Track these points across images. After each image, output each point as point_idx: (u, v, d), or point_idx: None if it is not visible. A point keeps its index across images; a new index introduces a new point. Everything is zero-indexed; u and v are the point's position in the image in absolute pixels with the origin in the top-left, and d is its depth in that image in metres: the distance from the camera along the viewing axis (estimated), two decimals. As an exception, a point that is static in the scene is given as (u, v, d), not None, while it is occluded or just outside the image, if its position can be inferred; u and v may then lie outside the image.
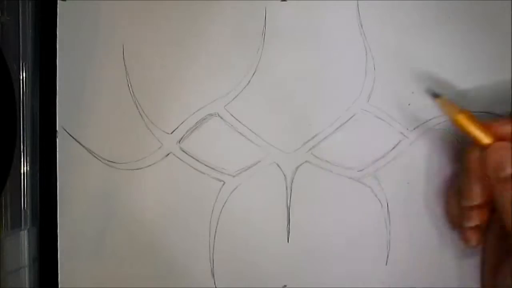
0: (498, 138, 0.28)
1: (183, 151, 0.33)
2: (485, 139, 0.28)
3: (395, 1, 0.33)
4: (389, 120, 0.33)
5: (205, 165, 0.33)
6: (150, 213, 0.33)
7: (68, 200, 0.33)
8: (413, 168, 0.32)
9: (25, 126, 0.32)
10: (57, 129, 0.33)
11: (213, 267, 0.33)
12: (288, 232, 0.33)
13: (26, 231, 0.33)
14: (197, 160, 0.33)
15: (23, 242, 0.33)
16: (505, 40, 0.32)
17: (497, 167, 0.27)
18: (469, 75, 0.32)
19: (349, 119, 0.33)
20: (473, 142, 0.28)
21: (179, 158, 0.33)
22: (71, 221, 0.33)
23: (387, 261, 0.32)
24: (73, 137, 0.33)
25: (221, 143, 0.33)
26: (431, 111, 0.32)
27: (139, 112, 0.33)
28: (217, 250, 0.33)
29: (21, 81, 0.32)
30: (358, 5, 0.33)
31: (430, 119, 0.32)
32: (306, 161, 0.33)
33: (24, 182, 0.32)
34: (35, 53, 0.33)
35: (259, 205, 0.33)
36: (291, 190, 0.33)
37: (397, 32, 0.33)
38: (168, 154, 0.33)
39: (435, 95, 0.31)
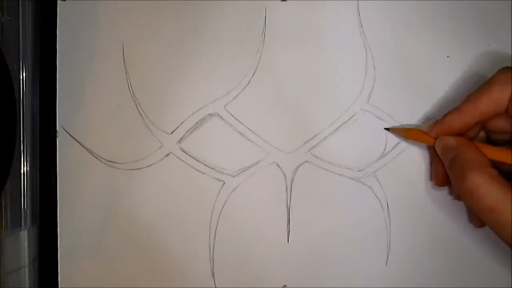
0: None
1: (183, 151, 0.33)
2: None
3: (395, 1, 0.33)
4: (389, 120, 0.33)
5: (205, 165, 0.33)
6: (150, 213, 0.33)
7: (68, 200, 0.33)
8: (413, 168, 0.32)
9: (25, 126, 0.32)
10: (57, 129, 0.33)
11: (213, 267, 0.33)
12: (288, 232, 0.33)
13: (26, 231, 0.33)
14: (197, 160, 0.33)
15: (23, 242, 0.33)
16: (505, 40, 0.32)
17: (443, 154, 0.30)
18: (469, 75, 0.33)
19: (349, 119, 0.33)
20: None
21: (179, 158, 0.33)
22: (71, 221, 0.33)
23: (387, 261, 0.32)
24: (73, 137, 0.33)
25: (221, 143, 0.33)
26: (431, 111, 0.32)
27: (139, 112, 0.33)
28: (217, 250, 0.33)
29: (21, 81, 0.32)
30: (358, 5, 0.33)
31: (430, 119, 0.32)
32: (306, 161, 0.33)
33: (24, 182, 0.32)
34: (35, 53, 0.33)
35: (259, 205, 0.33)
36: (291, 190, 0.33)
37: (397, 32, 0.33)
38: (168, 154, 0.33)
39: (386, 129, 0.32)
